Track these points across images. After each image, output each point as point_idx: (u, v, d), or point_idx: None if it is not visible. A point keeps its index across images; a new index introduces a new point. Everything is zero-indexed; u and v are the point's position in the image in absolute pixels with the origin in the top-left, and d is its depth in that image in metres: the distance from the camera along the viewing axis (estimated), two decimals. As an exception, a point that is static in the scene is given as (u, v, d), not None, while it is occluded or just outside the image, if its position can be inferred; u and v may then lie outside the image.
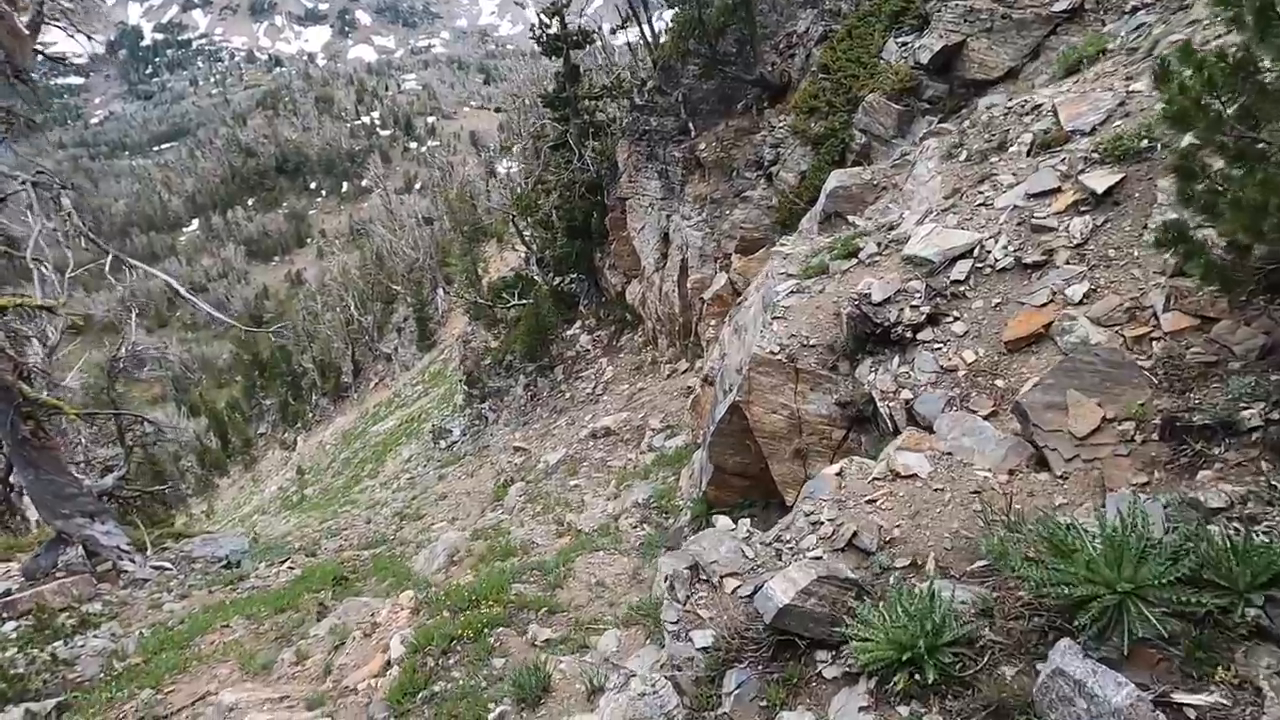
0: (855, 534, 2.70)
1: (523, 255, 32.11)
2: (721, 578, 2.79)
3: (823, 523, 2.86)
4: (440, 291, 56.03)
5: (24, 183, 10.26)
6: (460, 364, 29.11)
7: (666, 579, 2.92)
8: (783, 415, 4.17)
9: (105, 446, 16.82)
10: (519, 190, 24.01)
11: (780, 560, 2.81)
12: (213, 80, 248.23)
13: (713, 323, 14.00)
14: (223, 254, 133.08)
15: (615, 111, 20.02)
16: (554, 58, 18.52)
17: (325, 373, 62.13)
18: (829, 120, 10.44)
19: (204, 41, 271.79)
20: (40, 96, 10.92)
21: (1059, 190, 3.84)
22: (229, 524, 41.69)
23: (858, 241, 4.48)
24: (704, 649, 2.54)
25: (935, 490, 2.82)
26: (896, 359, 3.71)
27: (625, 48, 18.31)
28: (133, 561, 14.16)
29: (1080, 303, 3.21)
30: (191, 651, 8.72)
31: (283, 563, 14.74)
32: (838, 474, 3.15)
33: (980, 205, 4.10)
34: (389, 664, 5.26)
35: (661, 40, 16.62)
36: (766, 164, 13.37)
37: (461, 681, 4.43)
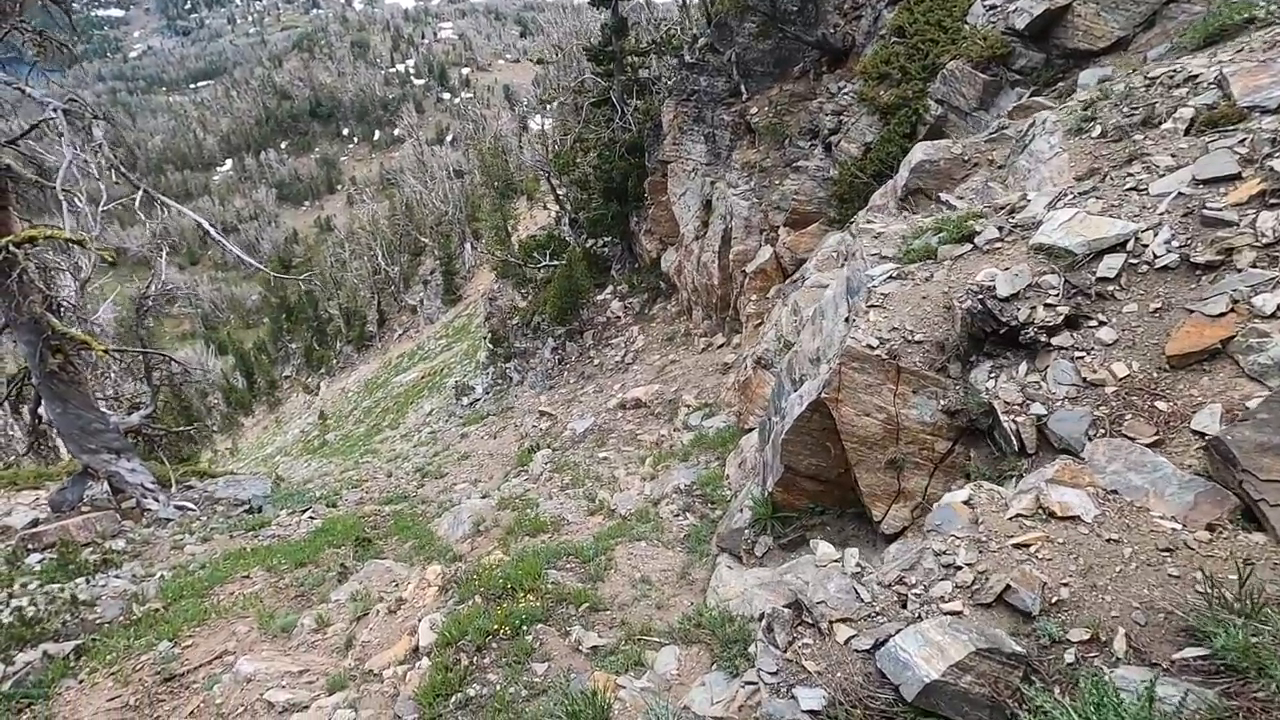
0: (1008, 588, 2.23)
1: (554, 215, 31.49)
2: (832, 623, 2.35)
3: (959, 567, 2.38)
4: (468, 246, 55.69)
5: (56, 110, 9.87)
6: (485, 321, 28.84)
7: (764, 618, 2.49)
8: (877, 419, 3.69)
9: (133, 383, 16.78)
10: (556, 147, 23.26)
11: (905, 609, 2.36)
12: (250, 19, 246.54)
13: (754, 297, 13.42)
14: (254, 196, 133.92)
15: (662, 70, 19.12)
16: (601, 9, 17.63)
17: (350, 320, 62.49)
18: (901, 88, 9.65)
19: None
20: (76, 23, 10.45)
21: (1238, 177, 3.22)
22: (252, 463, 42.43)
23: (972, 224, 3.90)
24: (812, 712, 2.11)
25: (1108, 541, 2.32)
26: (1024, 365, 3.18)
27: (676, 2, 17.35)
28: (156, 500, 14.19)
29: (1273, 315, 2.65)
30: (211, 601, 8.58)
31: (304, 512, 14.68)
32: (966, 503, 2.66)
33: (1131, 190, 3.50)
34: (416, 650, 4.96)
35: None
36: (825, 133, 12.59)
37: (499, 687, 4.09)
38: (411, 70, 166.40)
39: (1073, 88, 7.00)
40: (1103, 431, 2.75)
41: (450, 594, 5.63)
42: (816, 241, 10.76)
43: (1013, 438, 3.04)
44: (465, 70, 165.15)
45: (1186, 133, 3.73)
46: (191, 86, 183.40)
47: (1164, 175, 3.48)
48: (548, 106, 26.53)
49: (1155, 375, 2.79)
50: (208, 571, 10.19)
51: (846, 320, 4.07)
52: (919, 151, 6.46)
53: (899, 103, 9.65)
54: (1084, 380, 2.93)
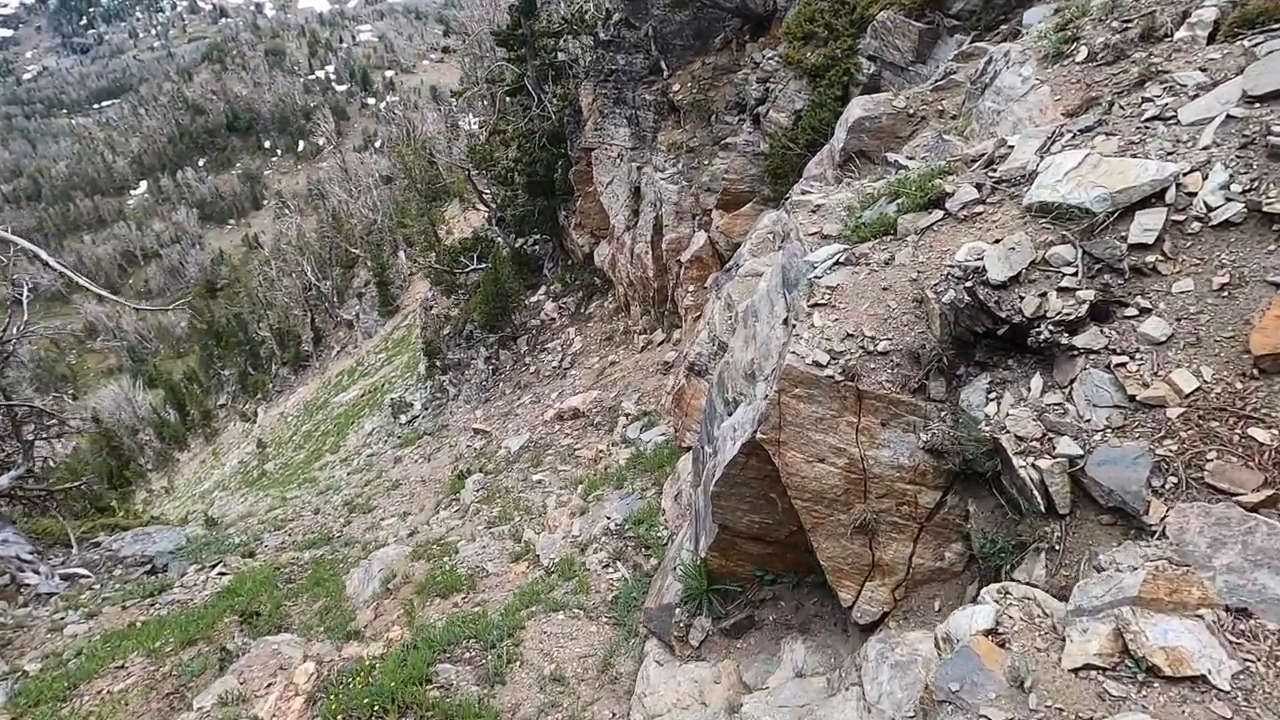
0: None
1: (485, 216, 29.97)
2: None
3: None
4: (402, 255, 53.42)
5: None
6: (421, 332, 27.30)
7: None
8: (835, 465, 2.70)
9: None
10: (475, 143, 21.84)
11: None
12: (154, 32, 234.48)
13: (691, 288, 12.44)
14: (174, 218, 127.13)
15: (578, 51, 17.91)
16: (507, -13, 16.31)
17: (284, 341, 59.46)
18: (829, 47, 8.73)
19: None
20: None
21: (1313, 87, 2.35)
22: (188, 501, 39.78)
23: (940, 183, 2.94)
24: None
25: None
26: (1037, 379, 2.21)
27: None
28: (36, 573, 12.43)
29: None
30: (68, 708, 7.14)
31: (213, 567, 13.10)
32: (993, 634, 1.67)
33: (1153, 120, 2.57)
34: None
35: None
36: (752, 105, 11.63)
37: None
38: (332, 76, 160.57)
39: (1018, 30, 6.13)
40: (1175, 481, 1.80)
41: (317, 708, 4.47)
42: (751, 223, 9.79)
43: (1034, 491, 2.08)
44: (389, 73, 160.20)
45: (1211, 40, 2.84)
46: (95, 107, 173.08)
47: (1197, 96, 2.57)
48: (459, 99, 25.01)
49: (1240, 385, 1.86)
50: (81, 660, 8.70)
51: (785, 323, 3.09)
52: (856, 108, 5.53)
53: (828, 63, 8.73)
54: (1131, 399, 1.98)
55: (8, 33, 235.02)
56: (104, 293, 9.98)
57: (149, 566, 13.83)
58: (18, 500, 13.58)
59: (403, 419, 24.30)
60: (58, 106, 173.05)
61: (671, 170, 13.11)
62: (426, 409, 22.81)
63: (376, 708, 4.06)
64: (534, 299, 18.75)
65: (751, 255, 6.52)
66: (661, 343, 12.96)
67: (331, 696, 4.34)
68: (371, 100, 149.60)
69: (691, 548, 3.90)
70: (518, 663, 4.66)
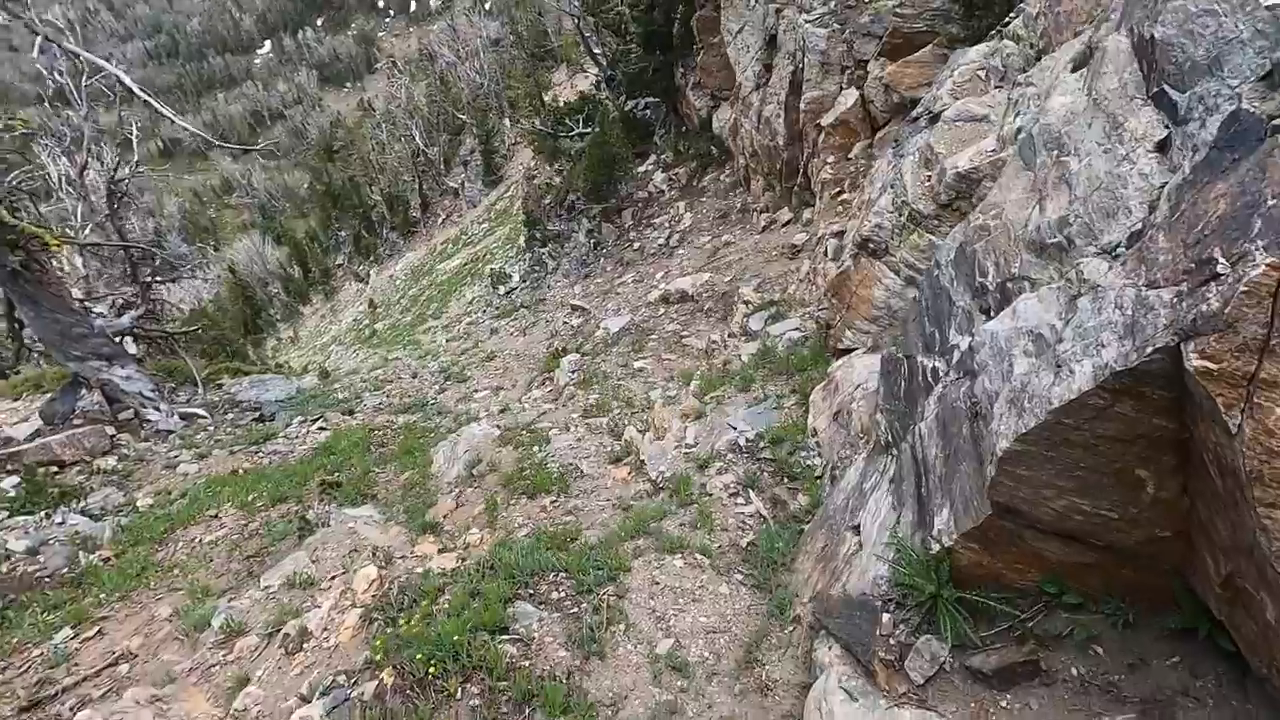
0: None
1: (593, 79, 27.72)
2: None
3: None
4: (506, 122, 51.91)
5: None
6: (523, 202, 26.40)
7: None
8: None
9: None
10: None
11: None
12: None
13: (831, 159, 10.44)
14: (296, 80, 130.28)
15: None
16: None
17: (394, 206, 60.71)
18: None
19: None
20: None
21: None
22: (310, 352, 42.70)
23: None
24: None
25: None
26: None
27: None
28: (157, 409, 12.99)
29: None
30: (162, 553, 7.10)
31: (315, 421, 13.30)
32: None
33: None
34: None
35: None
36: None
37: None
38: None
39: None
40: None
41: (372, 630, 3.76)
42: (930, 73, 7.65)
43: None
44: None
45: None
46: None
47: None
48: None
49: None
50: (184, 503, 8.87)
51: (1162, 148, 1.63)
52: None
53: None
54: None
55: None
56: (184, 123, 9.32)
57: (259, 414, 14.27)
58: (139, 339, 14.11)
59: (501, 290, 23.98)
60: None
61: (821, 10, 10.72)
62: (525, 281, 22.24)
63: (434, 666, 3.23)
64: (642, 169, 17.07)
65: (954, 97, 4.73)
66: (788, 223, 11.21)
67: (380, 638, 3.54)
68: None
69: (914, 520, 2.61)
70: (621, 625, 3.57)
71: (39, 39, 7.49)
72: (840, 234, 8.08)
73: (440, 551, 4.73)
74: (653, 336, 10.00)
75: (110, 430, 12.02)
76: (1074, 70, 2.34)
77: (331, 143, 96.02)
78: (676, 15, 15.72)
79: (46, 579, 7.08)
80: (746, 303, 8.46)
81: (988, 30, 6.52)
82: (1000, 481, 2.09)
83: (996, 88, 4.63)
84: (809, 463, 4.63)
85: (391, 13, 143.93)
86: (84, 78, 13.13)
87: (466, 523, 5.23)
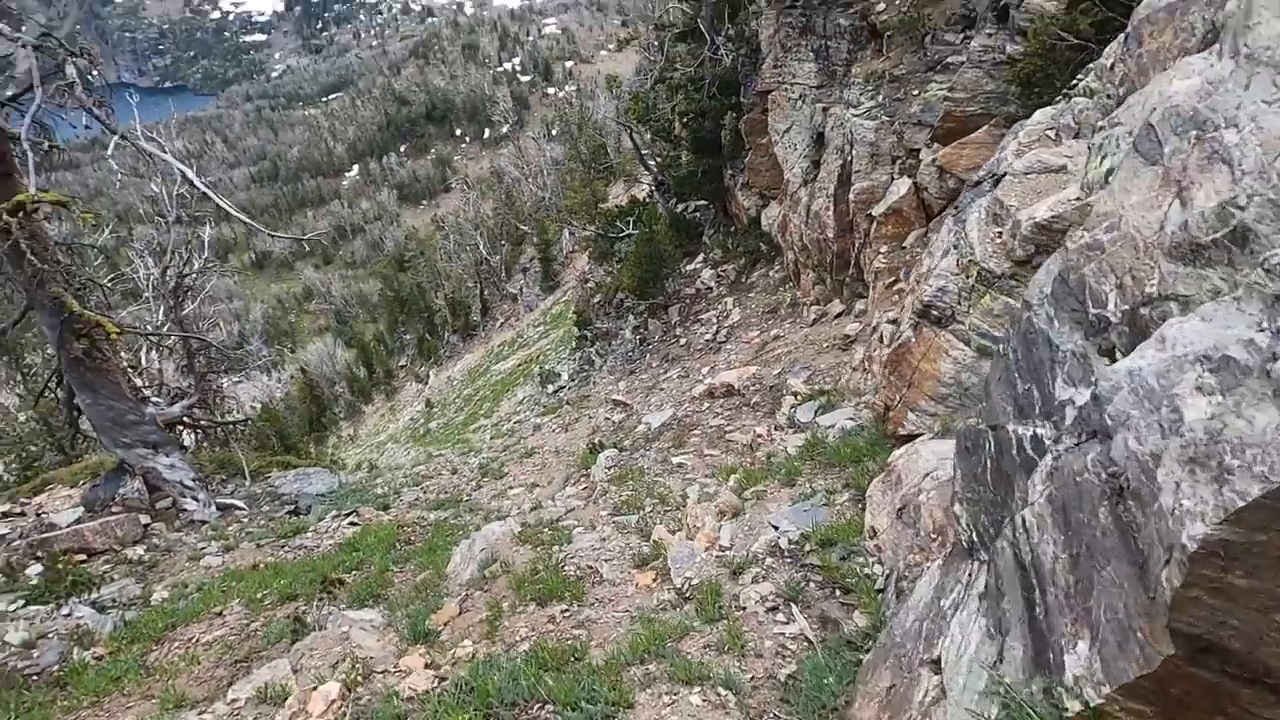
0: None
1: (647, 189, 28.84)
2: None
3: None
4: (565, 231, 54.41)
5: (26, 47, 8.26)
6: (575, 303, 26.90)
7: None
8: None
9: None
10: (634, 93, 20.47)
11: None
12: (373, 33, 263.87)
13: (883, 249, 9.99)
14: (378, 198, 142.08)
15: (760, -15, 15.75)
16: (686, -86, 14.59)
17: (456, 311, 63.33)
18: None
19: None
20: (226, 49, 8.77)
21: None
22: (367, 449, 43.28)
23: None
24: None
25: None
26: None
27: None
28: (195, 499, 12.86)
29: None
30: (156, 653, 6.56)
31: (347, 515, 12.90)
32: None
33: None
34: None
35: None
36: (985, 10, 8.93)
37: None
38: (518, 67, 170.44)
39: None
40: None
41: None
42: (988, 152, 7.25)
43: None
44: (569, 63, 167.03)
45: None
46: (323, 99, 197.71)
47: None
48: (626, 45, 23.75)
49: None
50: (195, 598, 8.41)
51: None
52: None
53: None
54: None
55: (261, 37, 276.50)
56: (251, 222, 9.68)
57: (295, 507, 14.00)
58: (192, 429, 14.28)
59: (550, 389, 23.92)
60: (295, 100, 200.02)
61: (869, 105, 10.67)
62: (573, 380, 22.15)
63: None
64: (690, 267, 17.04)
65: (1018, 156, 4.24)
66: (840, 315, 10.67)
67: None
68: (551, 90, 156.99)
69: (1027, 657, 1.80)
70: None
71: (115, 137, 7.97)
72: (895, 321, 7.47)
73: (426, 666, 4.03)
74: (695, 431, 9.35)
75: (145, 519, 11.88)
76: (1196, 54, 1.84)
77: (404, 253, 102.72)
78: (724, 121, 16.15)
79: (35, 676, 6.59)
80: (795, 394, 7.79)
81: (1051, 104, 6.13)
82: (1190, 597, 1.31)
83: (1072, 136, 4.13)
84: (867, 571, 3.72)
85: (467, 139, 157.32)
86: (177, 186, 14.24)
87: (465, 630, 4.53)
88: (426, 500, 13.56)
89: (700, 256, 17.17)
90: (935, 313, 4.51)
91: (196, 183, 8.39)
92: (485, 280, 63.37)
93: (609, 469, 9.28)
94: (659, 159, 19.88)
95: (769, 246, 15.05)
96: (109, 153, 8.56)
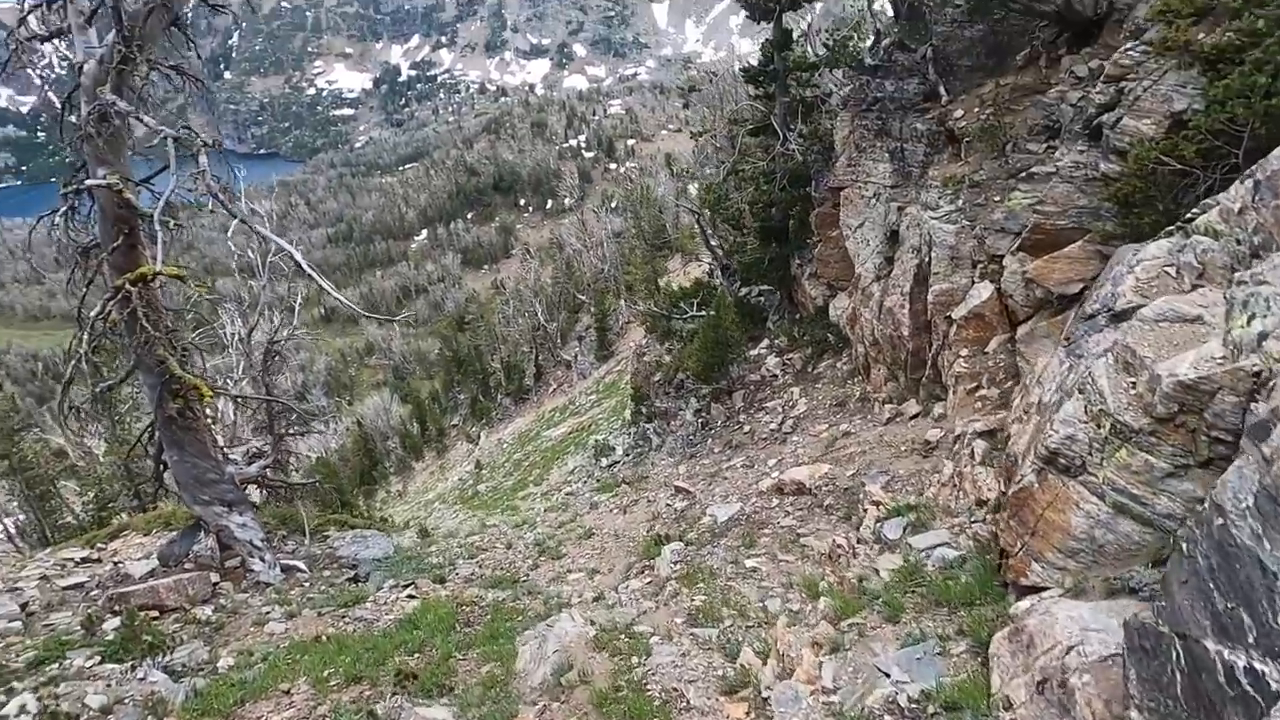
0: None
1: (707, 268, 29.38)
2: None
3: None
4: (622, 302, 55.55)
5: (166, 138, 9.19)
6: (631, 378, 27.13)
7: None
8: None
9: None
10: (708, 184, 21.15)
11: None
12: (450, 110, 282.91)
13: (964, 352, 9.85)
14: (443, 261, 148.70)
15: (832, 85, 16.36)
16: (763, 22, 15.38)
17: (510, 374, 64.51)
18: (1245, 21, 6.05)
19: (447, 76, 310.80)
20: (197, 50, 9.93)
21: None
22: (415, 506, 43.67)
23: None
24: None
25: None
26: None
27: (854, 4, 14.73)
28: (262, 560, 13.12)
29: None
30: (224, 731, 6.60)
31: (405, 588, 12.94)
32: None
33: None
34: None
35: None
36: (1089, 115, 9.03)
37: None
38: (582, 144, 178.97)
39: None
40: None
41: None
42: (1083, 269, 7.17)
43: None
44: (630, 141, 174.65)
45: None
46: (400, 169, 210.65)
47: None
48: (699, 140, 24.74)
49: None
50: (262, 670, 8.47)
51: None
52: None
53: (1240, 43, 6.04)
54: None
55: (350, 111, 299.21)
56: (353, 306, 10.25)
57: (354, 573, 14.13)
58: (263, 487, 14.73)
59: (604, 462, 23.87)
60: (374, 168, 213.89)
61: (948, 208, 10.76)
62: (628, 455, 22.07)
63: None
64: (754, 352, 17.07)
65: (1142, 295, 4.19)
66: (916, 416, 10.44)
67: None
68: (613, 165, 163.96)
69: None
70: None
71: (235, 221, 8.68)
72: (988, 434, 7.26)
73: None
74: (765, 531, 9.14)
75: (215, 578, 12.17)
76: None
77: (464, 315, 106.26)
78: (793, 212, 16.47)
79: (108, 747, 6.69)
80: (876, 503, 7.57)
81: (1154, 227, 6.06)
82: None
83: (1195, 286, 4.04)
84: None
85: (530, 209, 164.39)
86: (270, 255, 15.26)
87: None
88: (483, 576, 13.50)
89: (764, 342, 17.21)
90: (1063, 461, 4.35)
91: (304, 265, 9.00)
92: (540, 345, 64.73)
93: (675, 564, 9.11)
94: (724, 244, 20.32)
95: (836, 337, 14.99)
96: (229, 234, 9.31)
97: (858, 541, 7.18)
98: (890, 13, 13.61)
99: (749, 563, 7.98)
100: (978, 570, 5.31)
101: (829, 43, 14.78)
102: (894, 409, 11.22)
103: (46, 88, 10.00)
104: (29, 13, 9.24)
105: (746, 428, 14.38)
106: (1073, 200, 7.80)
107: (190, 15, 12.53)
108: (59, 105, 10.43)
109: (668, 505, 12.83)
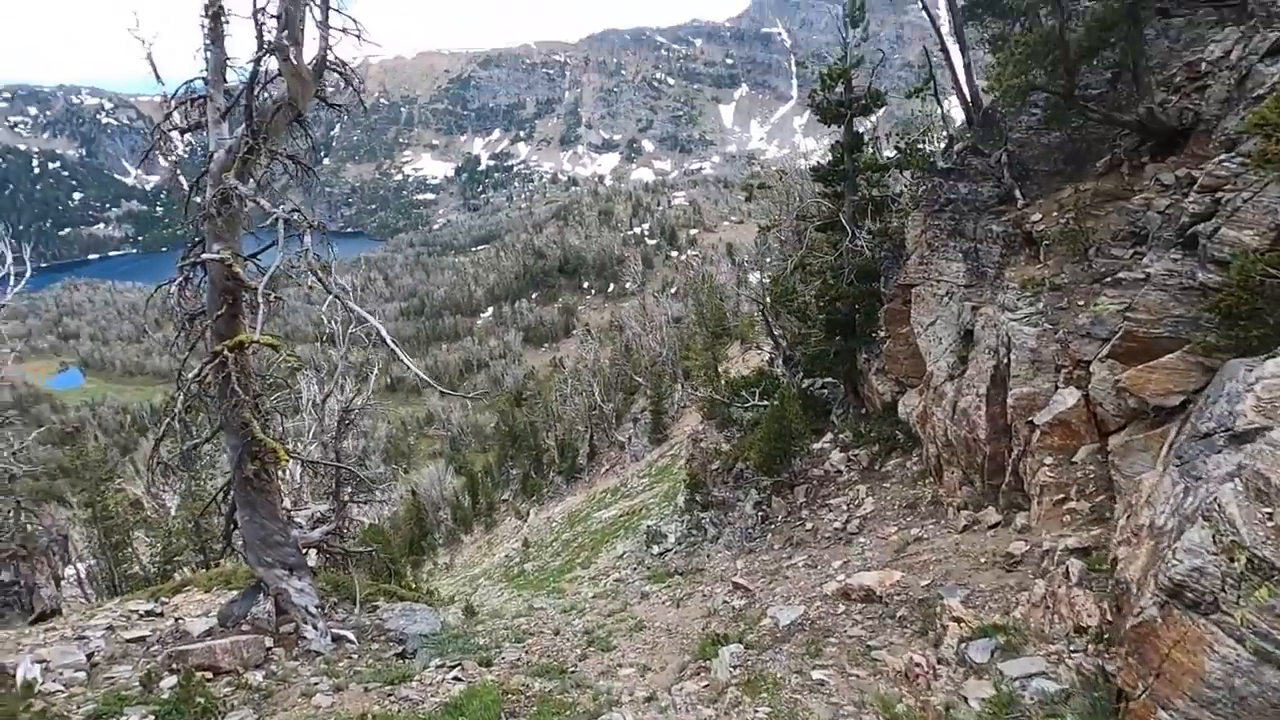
0: None
1: (767, 357, 29.32)
2: None
3: None
4: (679, 387, 55.66)
5: (279, 219, 10.03)
6: (687, 463, 26.75)
7: None
8: None
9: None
10: (774, 276, 21.43)
11: None
12: (524, 197, 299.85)
13: (1048, 460, 9.37)
14: (505, 338, 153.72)
15: (902, 186, 16.61)
16: (834, 125, 15.94)
17: (564, 452, 64.65)
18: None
19: (522, 166, 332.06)
20: (315, 143, 10.96)
21: None
22: (460, 582, 43.28)
23: None
24: None
25: None
26: None
27: (924, 110, 15.15)
28: (315, 628, 13.12)
29: None
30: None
31: (451, 669, 12.65)
32: None
33: None
34: None
35: (981, 87, 13.05)
36: (1160, 230, 8.85)
37: None
38: (646, 232, 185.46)
39: None
40: None
41: None
42: (1184, 381, 6.82)
43: None
44: (693, 231, 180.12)
45: None
46: (473, 249, 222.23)
47: None
48: (767, 234, 25.28)
49: None
50: (305, 747, 8.32)
51: None
52: None
53: (1347, 158, 5.87)
54: None
55: (431, 196, 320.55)
56: (418, 370, 10.62)
57: (401, 649, 13.95)
58: (321, 553, 14.93)
59: (655, 549, 23.27)
60: (449, 248, 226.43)
61: (1028, 310, 10.52)
62: (681, 544, 21.48)
63: None
64: (818, 446, 16.66)
65: (1265, 417, 3.92)
66: (995, 525, 9.84)
67: None
68: (675, 253, 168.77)
69: None
70: None
71: (330, 296, 9.26)
72: (1082, 552, 6.76)
73: None
74: (831, 639, 8.60)
75: (269, 642, 12.20)
76: None
77: (522, 390, 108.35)
78: (861, 307, 16.42)
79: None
80: (957, 620, 7.03)
81: (1264, 341, 5.75)
82: None
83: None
84: None
85: (593, 291, 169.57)
86: (351, 326, 16.12)
87: None
88: (529, 663, 13.09)
89: (828, 436, 16.82)
90: (1190, 595, 3.95)
91: (389, 342, 9.46)
92: (595, 425, 64.95)
93: (734, 668, 8.62)
94: (787, 334, 20.31)
95: (906, 435, 14.52)
96: (324, 309, 9.93)
97: (938, 661, 6.63)
98: (960, 115, 13.90)
99: (815, 674, 7.48)
100: (1087, 711, 4.76)
101: (900, 145, 15.14)
102: (970, 515, 10.62)
103: (178, 171, 11.15)
104: (175, 109, 10.43)
105: (809, 525, 13.84)
106: (1168, 309, 7.51)
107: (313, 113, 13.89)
108: (186, 187, 11.60)
109: (725, 602, 12.31)
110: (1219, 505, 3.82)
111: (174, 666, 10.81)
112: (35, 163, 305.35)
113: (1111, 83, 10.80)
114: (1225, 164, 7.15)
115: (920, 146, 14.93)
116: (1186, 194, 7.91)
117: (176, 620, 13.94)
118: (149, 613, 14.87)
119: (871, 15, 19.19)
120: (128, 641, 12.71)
